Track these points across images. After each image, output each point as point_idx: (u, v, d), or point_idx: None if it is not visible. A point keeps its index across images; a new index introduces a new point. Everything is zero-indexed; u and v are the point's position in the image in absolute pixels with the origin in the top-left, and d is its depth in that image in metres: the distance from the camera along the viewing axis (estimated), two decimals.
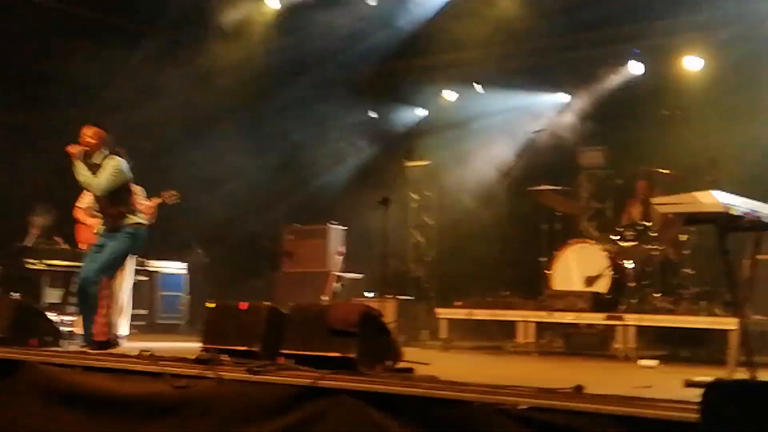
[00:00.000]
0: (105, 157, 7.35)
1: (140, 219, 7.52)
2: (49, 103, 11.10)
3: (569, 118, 11.48)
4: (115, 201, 7.37)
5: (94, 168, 7.30)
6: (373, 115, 13.53)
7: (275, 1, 12.08)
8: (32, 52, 11.03)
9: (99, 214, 7.65)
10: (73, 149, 7.28)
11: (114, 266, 7.53)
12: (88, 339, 7.25)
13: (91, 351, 6.85)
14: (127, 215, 7.41)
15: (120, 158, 7.40)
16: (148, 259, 11.37)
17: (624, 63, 11.32)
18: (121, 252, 7.45)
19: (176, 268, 12.13)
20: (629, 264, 8.84)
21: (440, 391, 4.47)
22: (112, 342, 7.37)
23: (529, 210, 9.96)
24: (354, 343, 5.16)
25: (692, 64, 10.79)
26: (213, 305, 6.18)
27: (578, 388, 4.27)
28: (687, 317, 8.10)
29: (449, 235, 12.68)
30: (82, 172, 7.27)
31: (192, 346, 6.48)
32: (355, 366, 5.09)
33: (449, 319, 9.50)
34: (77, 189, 7.91)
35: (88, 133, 7.35)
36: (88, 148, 7.32)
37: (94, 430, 5.58)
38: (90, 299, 7.29)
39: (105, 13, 11.58)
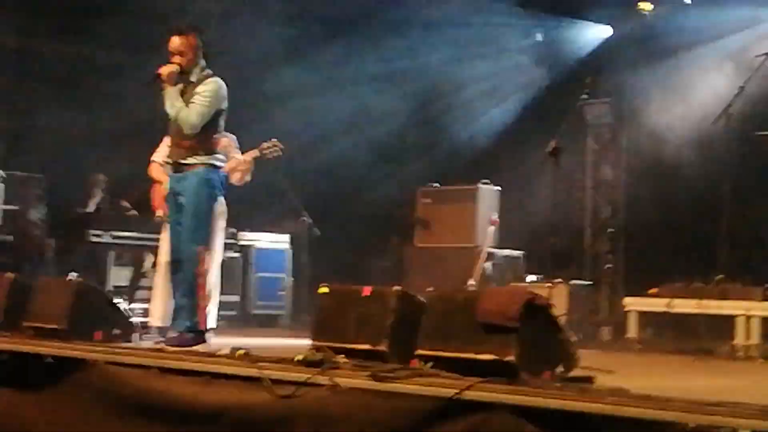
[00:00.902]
0: (203, 72, 7.53)
1: (212, 160, 7.65)
2: (116, 32, 11.41)
3: None
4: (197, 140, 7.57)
5: (190, 88, 7.47)
6: (538, 37, 13.39)
7: None
8: None
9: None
10: (164, 70, 7.48)
11: (199, 228, 7.63)
12: (183, 327, 7.47)
13: (174, 346, 7.08)
14: (196, 153, 7.57)
15: (216, 79, 7.57)
16: (240, 231, 11.58)
17: None
18: (200, 205, 7.59)
19: (277, 242, 12.32)
20: None
21: (630, 407, 4.42)
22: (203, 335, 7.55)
23: (758, 164, 9.68)
24: (514, 342, 5.14)
25: None
26: (326, 290, 6.25)
27: None
28: None
29: (641, 197, 12.49)
30: (174, 103, 7.46)
31: (298, 343, 6.59)
32: (515, 372, 5.07)
33: (640, 312, 9.43)
34: (152, 137, 8.13)
35: (177, 45, 7.54)
36: (180, 65, 7.52)
37: None
38: (184, 276, 7.54)
39: None
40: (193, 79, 7.57)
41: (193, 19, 8.11)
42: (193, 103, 7.47)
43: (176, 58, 7.56)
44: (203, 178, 7.55)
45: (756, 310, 8.65)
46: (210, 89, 7.51)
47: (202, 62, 7.64)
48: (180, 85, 7.54)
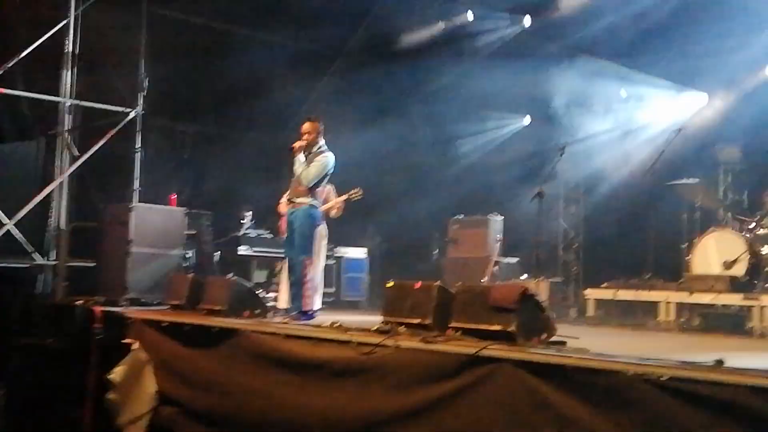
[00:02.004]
0: (319, 149, 7.62)
1: (313, 202, 7.68)
2: (252, 121, 11.46)
3: (708, 117, 11.01)
4: (308, 190, 7.61)
5: (311, 157, 7.57)
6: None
7: None
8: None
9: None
10: (296, 144, 7.57)
11: (304, 244, 7.66)
12: (297, 309, 7.51)
13: (293, 321, 7.12)
14: (305, 196, 7.61)
15: (329, 153, 7.65)
16: (336, 246, 11.61)
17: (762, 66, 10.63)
18: (304, 229, 7.62)
19: (359, 253, 12.34)
20: (765, 249, 8.44)
21: (590, 361, 4.37)
22: (312, 314, 7.60)
23: (671, 201, 9.54)
24: (513, 318, 5.10)
25: None
26: (391, 284, 6.24)
27: (719, 362, 4.06)
28: None
29: (595, 224, 12.36)
30: (298, 166, 7.58)
31: (373, 319, 6.59)
32: (514, 338, 5.03)
33: (596, 299, 9.32)
34: (282, 185, 8.20)
35: (307, 128, 7.64)
36: (305, 143, 7.60)
37: (294, 386, 5.78)
38: (295, 277, 7.59)
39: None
40: (314, 150, 7.64)
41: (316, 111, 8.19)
42: (309, 167, 7.56)
43: (305, 137, 7.64)
44: (307, 212, 7.62)
45: (673, 297, 8.50)
46: (321, 161, 7.59)
47: (321, 140, 7.71)
48: (303, 154, 7.63)
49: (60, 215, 9.60)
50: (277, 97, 10.95)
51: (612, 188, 11.49)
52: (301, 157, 7.60)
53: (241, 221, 11.26)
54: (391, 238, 13.03)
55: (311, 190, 7.63)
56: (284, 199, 8.46)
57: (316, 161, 7.58)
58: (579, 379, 4.24)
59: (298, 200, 7.65)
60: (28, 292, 9.16)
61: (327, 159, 7.63)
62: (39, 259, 9.40)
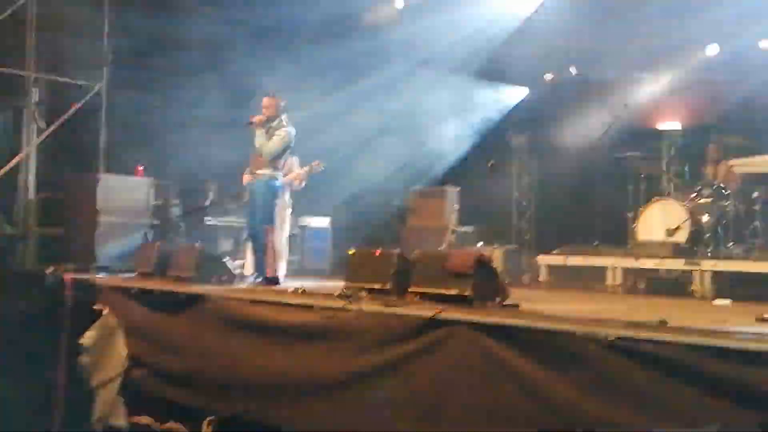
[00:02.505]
0: (280, 123, 7.56)
1: (274, 173, 7.66)
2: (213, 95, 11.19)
3: (652, 93, 11.13)
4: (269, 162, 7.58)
5: (271, 132, 7.53)
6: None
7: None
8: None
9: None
10: (256, 118, 7.51)
11: (266, 214, 7.64)
12: (262, 275, 7.49)
13: (259, 286, 7.09)
14: (265, 168, 7.59)
15: (290, 128, 7.59)
16: (300, 216, 11.54)
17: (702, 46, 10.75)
18: (266, 200, 7.61)
19: (322, 223, 12.28)
20: (705, 217, 8.59)
21: (542, 322, 4.42)
22: (276, 279, 7.59)
23: (617, 171, 9.64)
24: (469, 283, 5.14)
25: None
26: (353, 252, 6.25)
27: (662, 322, 4.13)
28: (757, 263, 7.78)
29: (547, 194, 12.45)
30: (258, 140, 7.53)
31: (336, 284, 6.58)
32: (470, 302, 5.07)
33: (548, 265, 9.41)
34: (245, 158, 8.12)
35: (266, 103, 7.57)
36: (265, 117, 7.54)
37: (259, 349, 5.77)
38: (258, 244, 7.60)
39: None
40: (274, 125, 7.58)
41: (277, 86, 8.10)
42: (270, 141, 7.50)
43: (265, 111, 7.57)
44: (267, 183, 7.58)
45: (620, 263, 8.62)
46: (281, 135, 7.55)
47: (283, 115, 7.64)
48: (264, 129, 7.56)
49: (28, 186, 9.44)
50: (239, 72, 10.73)
51: (563, 160, 11.56)
52: (261, 131, 7.55)
53: (207, 193, 11.14)
54: (353, 208, 12.97)
55: (272, 163, 7.61)
56: (247, 171, 8.44)
57: (276, 135, 7.56)
58: (531, 340, 4.28)
59: (260, 172, 7.63)
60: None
61: (287, 133, 7.60)
62: (8, 230, 9.26)
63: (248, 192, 7.98)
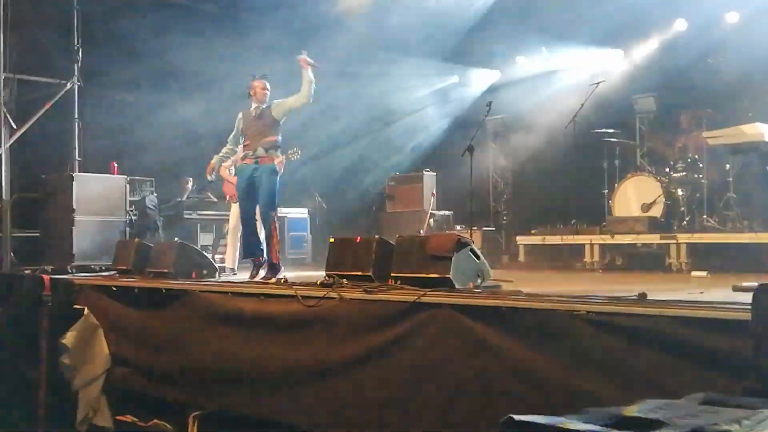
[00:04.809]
0: (271, 101, 7.19)
1: (277, 158, 7.22)
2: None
3: (624, 70, 11.18)
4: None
5: (266, 111, 7.18)
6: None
7: None
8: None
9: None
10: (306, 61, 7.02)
11: (272, 200, 7.19)
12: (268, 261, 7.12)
13: (236, 281, 6.95)
14: (272, 147, 7.16)
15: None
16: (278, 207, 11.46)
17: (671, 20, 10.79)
18: (272, 185, 7.15)
19: (300, 213, 12.24)
20: (680, 191, 8.65)
21: (523, 301, 4.41)
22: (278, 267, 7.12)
23: (591, 151, 9.66)
24: (450, 265, 5.12)
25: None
26: (333, 240, 6.20)
27: (642, 296, 4.13)
28: (732, 234, 7.85)
29: (523, 176, 12.47)
30: (250, 116, 7.17)
31: (317, 274, 6.54)
32: (451, 284, 5.05)
33: (526, 245, 9.44)
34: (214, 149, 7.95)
35: (261, 86, 7.16)
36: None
37: (243, 341, 5.73)
38: (266, 230, 7.23)
39: None
40: (264, 106, 7.15)
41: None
42: (286, 99, 7.15)
43: (264, 92, 7.20)
44: (272, 168, 7.16)
45: (596, 240, 8.69)
46: (288, 99, 7.13)
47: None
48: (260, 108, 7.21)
49: (2, 188, 9.28)
50: (207, 62, 10.60)
51: (538, 141, 11.56)
52: (256, 111, 7.13)
53: (184, 188, 11.05)
54: (331, 197, 12.94)
55: (272, 147, 7.12)
56: (234, 159, 7.78)
57: (280, 101, 7.11)
58: (513, 319, 4.27)
59: (267, 154, 7.09)
60: None
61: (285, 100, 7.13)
62: None
63: (241, 180, 7.27)
